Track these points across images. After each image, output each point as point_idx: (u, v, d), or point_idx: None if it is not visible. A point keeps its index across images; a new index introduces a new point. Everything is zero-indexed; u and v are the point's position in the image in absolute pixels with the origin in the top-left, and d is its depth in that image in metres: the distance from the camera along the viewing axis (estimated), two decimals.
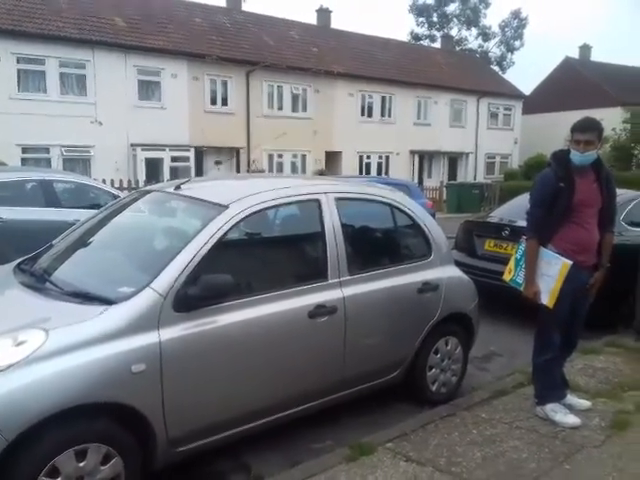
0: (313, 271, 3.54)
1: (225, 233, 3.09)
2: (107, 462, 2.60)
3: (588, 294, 3.71)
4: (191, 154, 19.77)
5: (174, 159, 19.44)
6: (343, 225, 3.60)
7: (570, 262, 3.46)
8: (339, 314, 3.44)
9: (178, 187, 3.63)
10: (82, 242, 3.71)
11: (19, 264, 3.59)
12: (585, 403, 3.86)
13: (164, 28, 20.06)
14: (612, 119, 22.48)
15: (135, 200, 4.03)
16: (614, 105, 27.56)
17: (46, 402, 2.41)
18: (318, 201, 3.58)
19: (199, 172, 19.92)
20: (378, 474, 3.01)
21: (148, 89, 19.23)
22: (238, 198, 3.29)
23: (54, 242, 3.85)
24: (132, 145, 18.62)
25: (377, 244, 4.26)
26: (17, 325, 2.63)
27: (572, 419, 3.62)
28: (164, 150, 19.13)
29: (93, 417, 2.58)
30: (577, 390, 4.04)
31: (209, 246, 2.99)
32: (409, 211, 4.13)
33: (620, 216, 5.88)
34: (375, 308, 3.69)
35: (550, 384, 3.73)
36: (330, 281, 3.47)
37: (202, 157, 20.58)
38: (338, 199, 3.67)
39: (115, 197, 8.14)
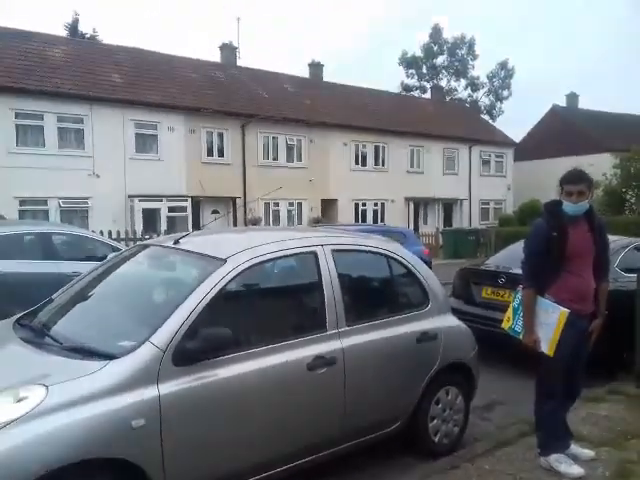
0: (311, 322, 3.56)
1: (223, 287, 3.14)
2: None
3: (587, 342, 3.72)
4: (188, 204, 19.98)
5: (171, 209, 19.63)
6: (340, 276, 3.64)
7: (568, 310, 3.49)
8: (338, 365, 3.44)
9: (177, 241, 3.69)
10: (81, 296, 3.74)
11: (18, 319, 3.61)
12: (589, 453, 3.82)
13: (161, 83, 20.60)
14: (601, 164, 22.98)
15: (134, 254, 4.08)
16: (601, 151, 28.15)
17: (46, 459, 2.40)
18: (315, 253, 3.64)
19: (196, 222, 20.07)
20: None
21: (145, 142, 19.58)
22: (236, 252, 3.35)
23: (54, 296, 3.87)
24: (129, 196, 18.83)
25: (374, 295, 4.28)
26: (17, 381, 2.63)
27: (576, 470, 3.58)
28: (161, 201, 19.34)
29: (93, 474, 2.56)
30: (581, 439, 4.00)
31: (208, 300, 3.03)
32: (405, 261, 4.19)
33: (614, 263, 5.95)
34: (374, 359, 3.68)
35: (554, 434, 3.70)
36: (329, 332, 3.49)
37: (199, 207, 20.79)
38: (334, 251, 3.73)
39: (113, 248, 8.22)
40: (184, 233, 3.97)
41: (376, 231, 9.22)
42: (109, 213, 18.13)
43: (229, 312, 3.28)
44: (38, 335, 3.23)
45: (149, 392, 2.74)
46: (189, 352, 2.87)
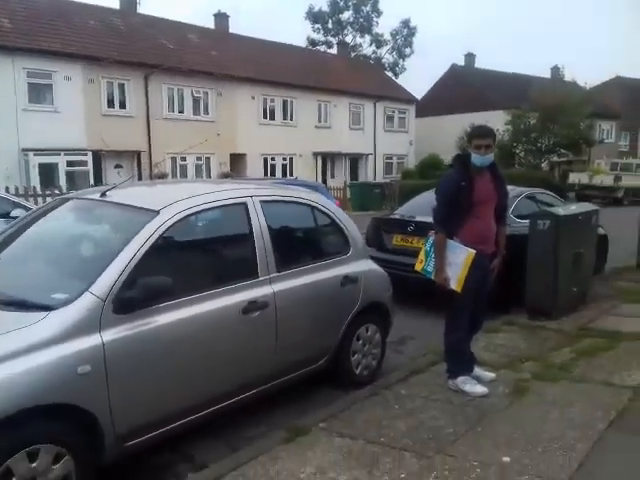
0: (244, 270, 3.73)
1: (159, 237, 3.23)
2: (58, 461, 2.67)
3: (489, 278, 4.21)
4: (89, 158, 19.05)
5: (70, 164, 18.64)
6: (269, 226, 3.84)
7: (474, 251, 3.94)
8: (270, 309, 3.69)
9: (104, 194, 3.69)
10: (10, 251, 3.65)
11: None
12: (490, 375, 4.36)
13: (55, 30, 19.16)
14: (495, 121, 24.26)
15: (54, 208, 4.01)
16: (496, 109, 29.83)
17: None
18: (245, 204, 3.80)
19: (98, 176, 19.23)
20: (316, 450, 3.29)
21: (40, 92, 18.29)
22: (169, 203, 3.42)
23: None
24: (23, 150, 17.61)
25: (301, 242, 4.55)
26: None
27: (480, 389, 4.10)
28: (59, 155, 18.28)
29: (43, 419, 2.64)
30: (483, 364, 4.54)
31: (145, 249, 3.12)
32: (328, 211, 4.46)
33: (510, 210, 6.56)
34: (303, 301, 3.97)
35: (460, 360, 4.20)
36: (260, 278, 3.71)
37: (101, 161, 19.85)
38: (263, 202, 3.91)
39: (14, 204, 7.88)
40: (109, 186, 3.94)
41: (291, 185, 9.40)
42: (1, 168, 16.90)
43: (166, 262, 3.36)
44: None
45: (92, 340, 2.82)
46: (129, 301, 2.97)
